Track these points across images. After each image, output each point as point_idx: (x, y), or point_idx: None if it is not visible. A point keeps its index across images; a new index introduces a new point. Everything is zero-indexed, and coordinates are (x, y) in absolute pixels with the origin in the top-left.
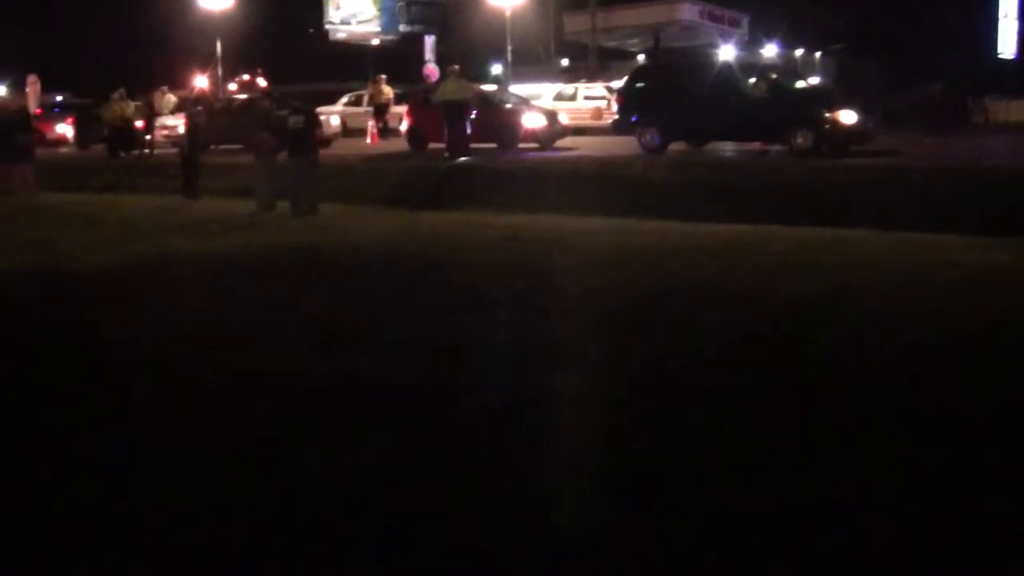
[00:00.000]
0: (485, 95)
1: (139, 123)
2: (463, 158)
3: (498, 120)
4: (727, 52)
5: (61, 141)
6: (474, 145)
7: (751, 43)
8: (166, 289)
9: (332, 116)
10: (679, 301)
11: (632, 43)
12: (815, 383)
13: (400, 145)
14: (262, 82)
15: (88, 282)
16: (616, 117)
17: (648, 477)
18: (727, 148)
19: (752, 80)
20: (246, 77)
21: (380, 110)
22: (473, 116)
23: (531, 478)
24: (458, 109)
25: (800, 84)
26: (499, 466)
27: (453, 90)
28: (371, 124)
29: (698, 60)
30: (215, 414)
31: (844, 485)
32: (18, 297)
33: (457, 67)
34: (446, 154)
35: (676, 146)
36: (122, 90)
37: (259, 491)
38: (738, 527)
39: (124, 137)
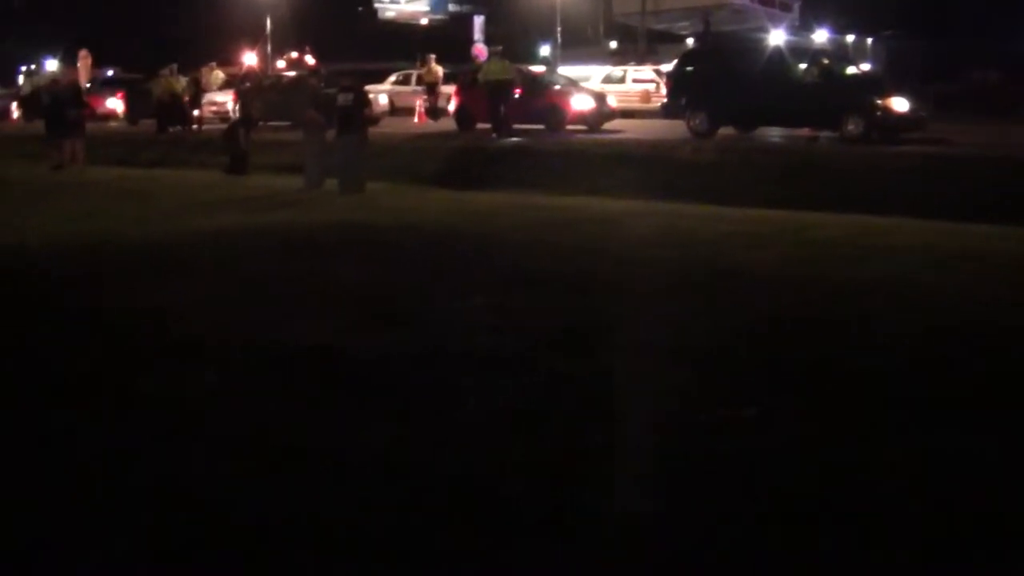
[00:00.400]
0: (532, 76)
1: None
2: (510, 138)
3: (546, 102)
4: (777, 36)
5: (111, 115)
6: (522, 126)
7: (802, 28)
8: (219, 264)
9: (380, 95)
10: (734, 284)
11: (681, 26)
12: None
13: (448, 125)
14: (310, 60)
15: (142, 256)
16: (665, 100)
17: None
18: (776, 134)
19: (803, 65)
20: (294, 54)
21: (431, 89)
22: (516, 96)
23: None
24: (501, 89)
25: (851, 70)
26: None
27: (497, 70)
28: (419, 103)
29: (748, 44)
30: (286, 388)
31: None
32: (74, 270)
33: (501, 48)
34: (493, 135)
35: (725, 131)
36: (173, 66)
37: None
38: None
39: (173, 112)
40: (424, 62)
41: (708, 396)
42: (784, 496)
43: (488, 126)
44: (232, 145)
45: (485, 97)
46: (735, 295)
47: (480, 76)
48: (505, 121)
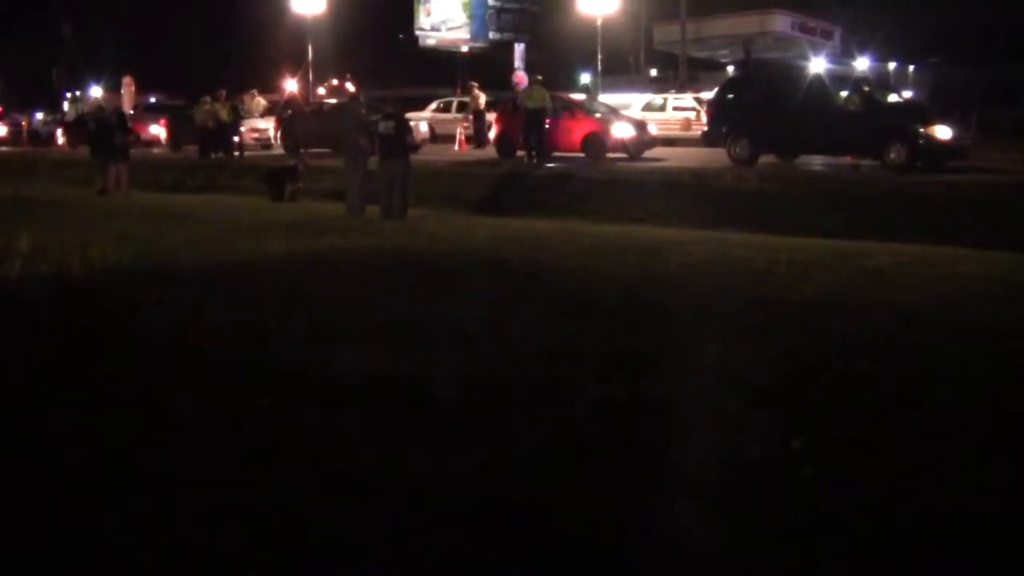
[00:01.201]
0: (572, 103)
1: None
2: (547, 164)
3: (587, 129)
4: (819, 64)
5: (154, 142)
6: (563, 154)
7: (843, 55)
8: (267, 289)
9: (421, 122)
10: (783, 312)
11: (722, 53)
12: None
13: (489, 152)
14: (350, 87)
15: (192, 281)
16: (706, 128)
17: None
18: (818, 162)
19: (844, 93)
20: (335, 81)
21: (476, 116)
22: (556, 123)
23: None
24: (539, 116)
25: (893, 97)
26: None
27: (537, 97)
28: (460, 130)
29: (790, 72)
30: (350, 414)
31: None
32: (126, 294)
33: (540, 76)
34: (532, 160)
35: (766, 159)
36: (221, 92)
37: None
38: None
39: (216, 138)
40: (467, 89)
41: (758, 426)
42: (839, 527)
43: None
44: (272, 189)
45: (523, 123)
46: (785, 323)
47: (519, 102)
48: (541, 148)
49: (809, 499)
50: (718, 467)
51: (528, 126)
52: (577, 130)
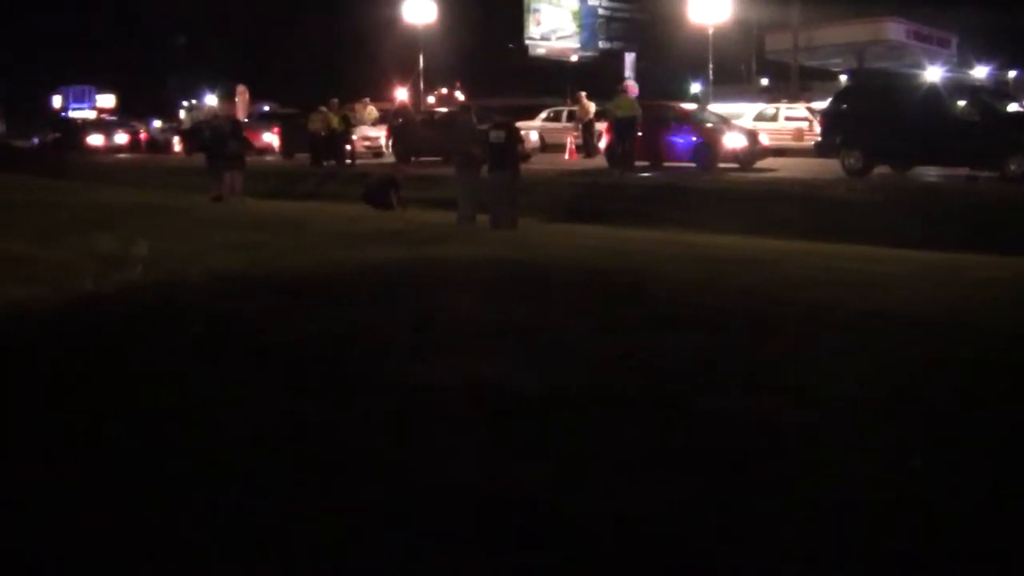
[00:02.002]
0: (683, 113)
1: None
2: (638, 174)
3: (698, 139)
4: (935, 73)
5: (267, 149)
6: (674, 164)
7: (960, 64)
8: (376, 298)
9: (531, 131)
10: (894, 327)
11: (835, 63)
12: None
13: (599, 161)
14: (460, 96)
15: (301, 289)
16: (819, 139)
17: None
18: (933, 173)
19: (962, 103)
20: (444, 90)
21: (585, 126)
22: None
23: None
24: (630, 125)
25: (1013, 107)
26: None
27: (626, 106)
28: (570, 139)
29: (905, 81)
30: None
31: None
32: (239, 302)
33: (625, 85)
34: (620, 169)
35: (880, 170)
36: (334, 101)
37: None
38: None
39: (328, 147)
40: (576, 99)
41: (865, 444)
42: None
43: (643, 164)
44: (381, 198)
45: (636, 133)
46: (894, 338)
47: (618, 111)
48: (628, 157)
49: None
50: (823, 484)
51: (618, 135)
52: (688, 140)
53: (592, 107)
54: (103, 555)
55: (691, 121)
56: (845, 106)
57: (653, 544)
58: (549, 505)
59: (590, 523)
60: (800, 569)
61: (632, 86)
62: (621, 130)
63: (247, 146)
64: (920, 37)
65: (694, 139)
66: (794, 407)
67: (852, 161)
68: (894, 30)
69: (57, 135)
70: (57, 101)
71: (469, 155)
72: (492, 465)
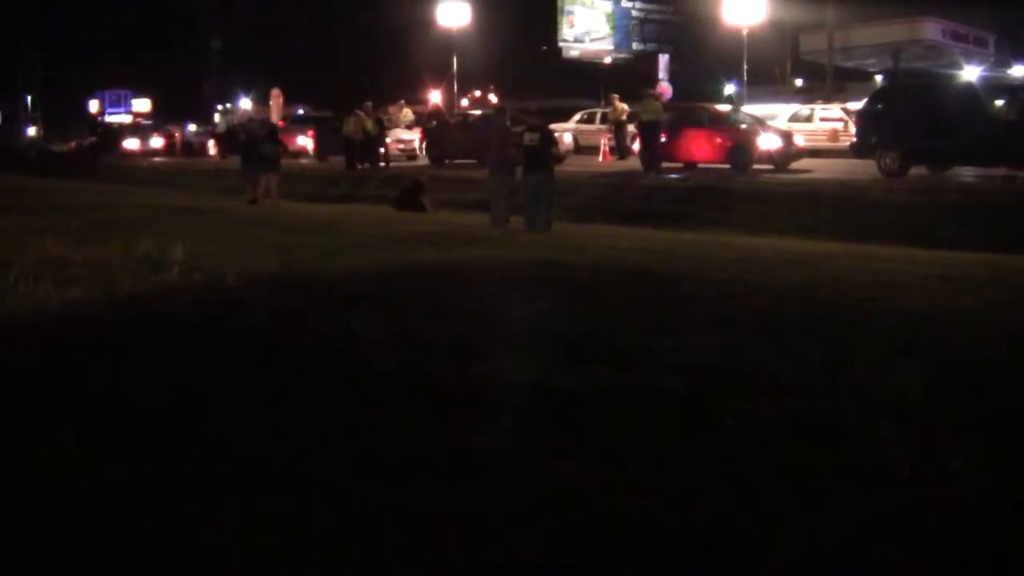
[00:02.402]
0: (717, 114)
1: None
2: (664, 175)
3: (732, 140)
4: (972, 73)
5: (301, 152)
6: (708, 165)
7: (998, 63)
8: (412, 300)
9: (565, 133)
10: (937, 330)
11: (870, 63)
12: None
13: (633, 163)
14: (493, 98)
15: (337, 291)
16: (855, 139)
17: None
18: (970, 173)
19: (1000, 102)
20: (478, 93)
21: (618, 128)
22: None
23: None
24: (655, 129)
25: None
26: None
27: (653, 111)
28: (604, 141)
29: (942, 81)
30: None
31: None
32: (276, 303)
33: (652, 91)
34: (650, 172)
35: (917, 170)
36: (368, 104)
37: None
38: None
39: (362, 149)
40: (609, 100)
41: (908, 445)
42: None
43: (677, 165)
44: (412, 200)
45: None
46: (938, 341)
47: (644, 116)
48: (652, 159)
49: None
50: (864, 489)
51: (646, 137)
52: (722, 141)
53: (625, 109)
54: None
55: (725, 122)
56: (881, 106)
57: (698, 547)
58: (601, 505)
59: (640, 522)
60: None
61: (666, 88)
62: (647, 133)
63: (283, 149)
64: (957, 36)
65: (729, 140)
66: (847, 409)
67: (888, 162)
68: (930, 30)
69: (94, 139)
70: (94, 105)
71: (503, 157)
72: (540, 465)
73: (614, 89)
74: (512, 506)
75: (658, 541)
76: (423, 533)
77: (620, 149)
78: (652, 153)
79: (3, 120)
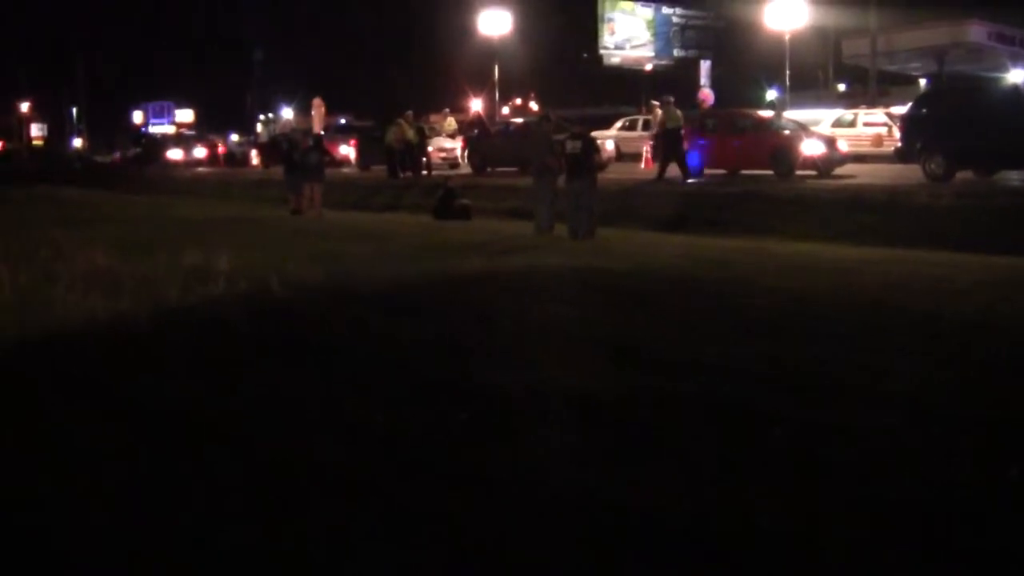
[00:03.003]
0: (760, 120)
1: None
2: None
3: (775, 146)
4: (1018, 75)
5: (344, 161)
6: (751, 172)
7: None
8: (457, 308)
9: (607, 140)
10: (987, 337)
11: (914, 67)
12: None
13: (674, 170)
14: (534, 106)
15: (383, 300)
16: (899, 144)
17: None
18: (1017, 177)
19: None
20: (519, 101)
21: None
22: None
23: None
24: (678, 136)
25: None
26: None
27: (675, 118)
28: (646, 148)
29: (987, 84)
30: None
31: None
32: (323, 313)
33: (671, 99)
34: (686, 179)
35: (962, 175)
36: (409, 113)
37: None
38: None
39: (404, 158)
40: (650, 108)
41: (956, 455)
42: None
43: (721, 172)
44: (452, 208)
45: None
46: (988, 349)
47: (669, 123)
48: (666, 166)
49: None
50: (907, 496)
51: (668, 144)
52: (765, 147)
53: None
54: None
55: (768, 128)
56: (926, 110)
57: (737, 551)
58: (642, 511)
59: (680, 529)
60: None
61: (708, 94)
62: (670, 140)
63: (328, 159)
64: (1002, 39)
65: (771, 146)
66: (895, 417)
67: (934, 166)
68: (975, 32)
69: (138, 150)
70: (138, 117)
71: (545, 165)
72: (582, 470)
73: (656, 96)
74: (556, 513)
75: (701, 548)
76: (465, 540)
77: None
78: (678, 159)
79: (49, 132)
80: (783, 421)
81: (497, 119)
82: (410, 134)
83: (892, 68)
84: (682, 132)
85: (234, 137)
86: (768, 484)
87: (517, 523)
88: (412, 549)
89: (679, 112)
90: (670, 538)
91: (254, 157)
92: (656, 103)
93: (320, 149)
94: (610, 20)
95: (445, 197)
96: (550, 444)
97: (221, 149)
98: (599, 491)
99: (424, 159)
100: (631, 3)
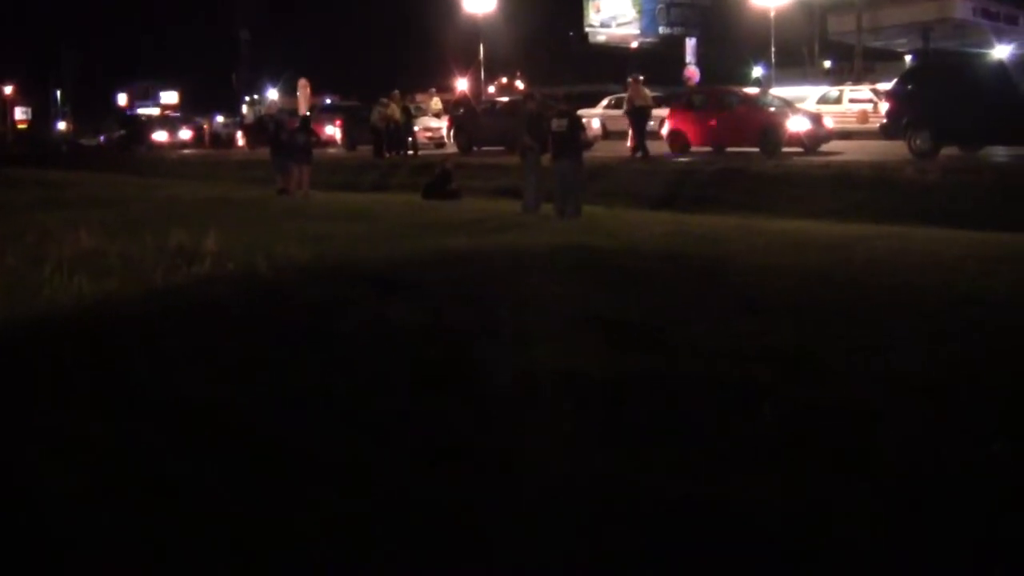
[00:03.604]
0: (746, 97)
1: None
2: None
3: (761, 123)
4: (1003, 51)
5: (329, 142)
6: (736, 149)
7: None
8: (447, 287)
9: (593, 119)
10: (973, 312)
11: (899, 43)
12: None
13: (660, 148)
14: (520, 84)
15: (373, 279)
16: (884, 121)
17: None
18: (1003, 153)
19: None
20: (504, 80)
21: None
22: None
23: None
24: (646, 114)
25: None
26: None
27: (643, 96)
28: None
29: (972, 60)
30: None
31: None
32: (311, 293)
33: (641, 77)
34: (637, 154)
35: (948, 150)
36: (396, 92)
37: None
38: None
39: (391, 138)
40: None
41: (949, 428)
42: None
43: (707, 149)
44: (443, 188)
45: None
46: (974, 323)
47: (637, 101)
48: (637, 140)
49: None
50: (910, 473)
51: (637, 122)
52: (751, 124)
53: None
54: None
55: (754, 105)
56: (911, 87)
57: (746, 533)
58: (642, 490)
59: (691, 509)
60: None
61: (693, 72)
62: (639, 118)
63: (315, 139)
64: (988, 14)
65: (758, 124)
66: (891, 395)
67: (919, 142)
68: (960, 8)
69: (123, 132)
70: (122, 99)
71: (521, 144)
72: (580, 452)
73: (643, 74)
74: (551, 494)
75: (697, 525)
76: (465, 523)
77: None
78: (638, 137)
79: (34, 115)
80: (778, 399)
81: (483, 98)
82: (397, 114)
83: (877, 44)
84: (648, 111)
85: (219, 118)
86: (764, 462)
87: (511, 506)
88: (409, 533)
89: (647, 90)
90: (664, 517)
91: (240, 138)
92: (631, 80)
93: (307, 130)
94: None
95: (441, 178)
96: (542, 424)
97: (207, 130)
98: (595, 472)
99: (410, 139)
100: None
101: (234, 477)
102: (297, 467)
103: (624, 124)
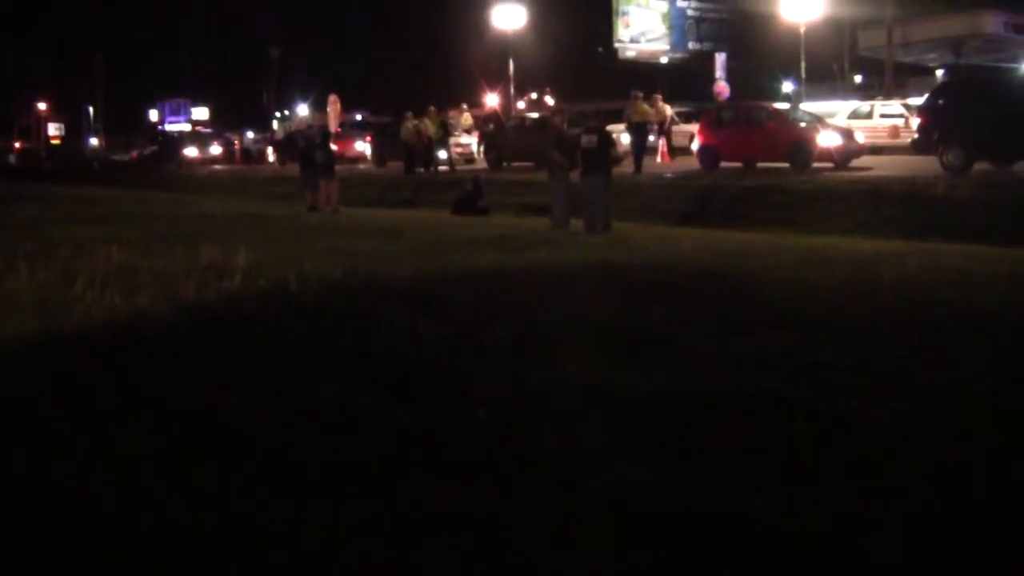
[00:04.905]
0: (776, 112)
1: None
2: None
3: (791, 138)
4: None
5: (359, 158)
6: (766, 164)
7: None
8: (476, 303)
9: (622, 134)
10: (1008, 327)
11: (930, 58)
12: None
13: (690, 163)
14: (549, 100)
15: (402, 295)
16: (916, 136)
17: None
18: None
19: None
20: (534, 95)
21: (659, 128)
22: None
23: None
24: (641, 130)
25: None
26: None
27: (641, 113)
28: (661, 142)
29: (1004, 74)
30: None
31: None
32: (342, 309)
33: (640, 94)
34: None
35: (980, 166)
36: (432, 108)
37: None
38: None
39: (421, 154)
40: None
41: (982, 442)
42: None
43: (737, 165)
44: (472, 204)
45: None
46: (1006, 340)
47: (635, 117)
48: (640, 159)
49: None
50: (936, 487)
51: (637, 137)
52: (781, 139)
53: (668, 109)
54: None
55: (784, 120)
56: (943, 102)
57: (771, 547)
58: (670, 505)
59: (711, 523)
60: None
61: (723, 87)
62: (639, 134)
63: (337, 155)
64: (1020, 29)
65: (788, 139)
66: (921, 408)
67: (951, 158)
68: (992, 23)
69: (154, 148)
70: (154, 115)
71: (550, 160)
72: (606, 466)
73: (673, 89)
74: (578, 507)
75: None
76: (489, 533)
77: (669, 150)
78: (636, 153)
79: (67, 131)
80: (809, 414)
81: (513, 114)
82: (431, 130)
83: (908, 59)
84: (648, 127)
85: (250, 134)
86: (796, 476)
87: (538, 519)
88: (432, 544)
89: (646, 107)
90: (688, 529)
91: (270, 154)
92: (657, 96)
93: (326, 146)
94: (625, 13)
95: (472, 194)
96: (572, 439)
97: (237, 146)
98: (621, 487)
99: (445, 155)
100: None
101: (257, 489)
102: (322, 477)
103: (654, 140)
